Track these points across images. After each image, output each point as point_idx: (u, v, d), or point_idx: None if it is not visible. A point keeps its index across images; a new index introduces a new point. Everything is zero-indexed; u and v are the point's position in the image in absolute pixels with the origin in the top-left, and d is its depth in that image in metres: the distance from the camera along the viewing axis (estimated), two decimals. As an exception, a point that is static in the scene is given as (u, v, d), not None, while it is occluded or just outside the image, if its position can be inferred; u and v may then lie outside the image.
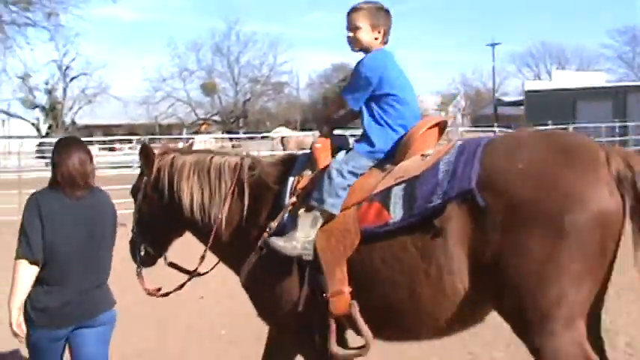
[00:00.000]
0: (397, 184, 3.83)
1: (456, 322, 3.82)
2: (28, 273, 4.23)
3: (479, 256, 3.55)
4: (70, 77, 46.42)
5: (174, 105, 52.75)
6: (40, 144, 34.48)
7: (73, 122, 47.95)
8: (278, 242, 3.92)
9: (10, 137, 63.07)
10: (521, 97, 58.11)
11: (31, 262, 4.21)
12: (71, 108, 47.66)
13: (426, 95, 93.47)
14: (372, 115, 4.15)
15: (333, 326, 3.93)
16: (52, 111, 45.63)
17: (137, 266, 4.82)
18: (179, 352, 7.02)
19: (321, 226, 3.94)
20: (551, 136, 3.95)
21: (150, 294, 4.79)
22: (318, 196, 3.94)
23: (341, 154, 4.11)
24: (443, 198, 3.62)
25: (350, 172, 3.98)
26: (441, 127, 4.24)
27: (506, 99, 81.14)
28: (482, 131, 45.77)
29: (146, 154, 4.64)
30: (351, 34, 4.16)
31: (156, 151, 4.71)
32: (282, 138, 25.89)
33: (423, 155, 3.91)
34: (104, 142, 36.60)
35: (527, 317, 3.51)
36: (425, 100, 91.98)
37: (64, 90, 46.56)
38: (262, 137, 21.87)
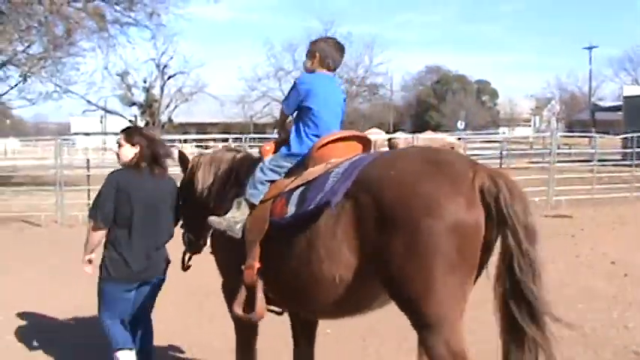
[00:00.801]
0: (300, 186, 4.60)
1: (345, 304, 4.42)
2: (97, 233, 5.53)
3: (361, 250, 4.09)
4: (168, 75, 47.03)
5: (269, 104, 53.04)
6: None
7: (170, 120, 48.60)
8: (212, 218, 4.94)
9: (106, 134, 64.79)
10: (619, 103, 56.33)
11: (99, 225, 5.48)
12: (168, 106, 48.31)
13: (520, 99, 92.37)
14: (296, 124, 5.00)
15: (243, 292, 4.82)
16: (149, 108, 46.32)
17: (185, 251, 5.88)
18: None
19: (250, 213, 4.80)
20: (431, 151, 4.42)
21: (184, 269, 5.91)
22: (247, 188, 4.88)
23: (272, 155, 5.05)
24: (321, 201, 4.28)
25: (270, 170, 4.88)
26: (361, 141, 5.13)
27: (604, 104, 79.29)
28: (578, 136, 44.78)
29: (182, 158, 5.84)
30: (311, 58, 5.11)
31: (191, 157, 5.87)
32: (390, 140, 25.41)
33: (327, 164, 4.64)
34: (199, 141, 36.95)
35: (403, 309, 4.10)
36: (519, 104, 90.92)
37: (162, 88, 47.21)
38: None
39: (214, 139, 36.16)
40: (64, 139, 42.65)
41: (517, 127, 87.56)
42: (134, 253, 5.51)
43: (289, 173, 4.85)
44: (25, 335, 7.61)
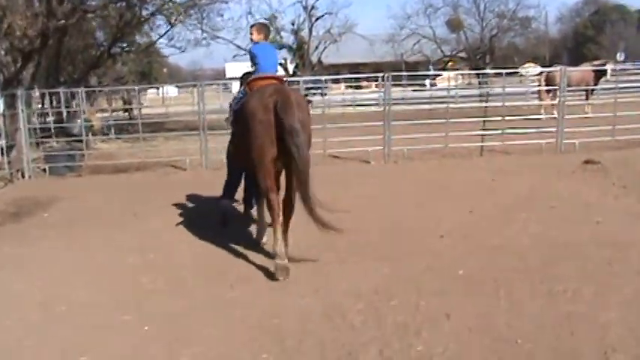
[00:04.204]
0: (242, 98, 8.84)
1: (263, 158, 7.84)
2: None
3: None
4: (316, 17, 46.99)
5: (419, 42, 52.10)
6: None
7: (320, 61, 48.73)
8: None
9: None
10: None
11: None
12: (317, 47, 48.38)
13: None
14: (252, 71, 9.06)
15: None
16: (298, 51, 46.61)
17: None
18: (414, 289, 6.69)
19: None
20: (267, 87, 8.09)
21: None
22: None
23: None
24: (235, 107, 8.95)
25: (240, 93, 9.22)
26: (276, 79, 8.71)
27: None
28: None
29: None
30: (250, 35, 9.12)
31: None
32: (548, 73, 24.35)
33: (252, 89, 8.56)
34: (351, 80, 36.77)
35: None
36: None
37: (310, 30, 47.25)
38: (508, 74, 20.83)
39: (367, 78, 35.93)
40: (222, 84, 43.85)
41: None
42: None
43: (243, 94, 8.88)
44: (172, 273, 8.00)
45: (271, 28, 45.40)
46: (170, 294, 7.23)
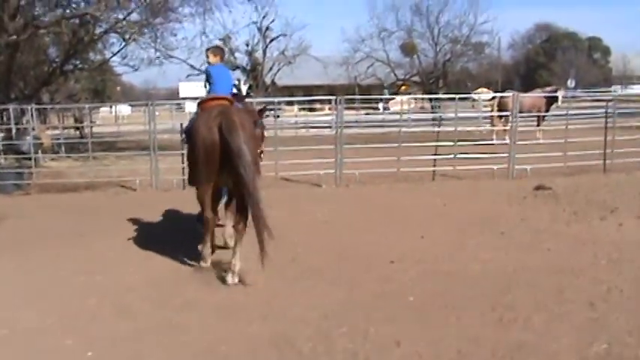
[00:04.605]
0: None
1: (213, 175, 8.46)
2: None
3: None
4: (270, 39, 47.01)
5: (373, 65, 52.37)
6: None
7: (273, 82, 48.71)
8: None
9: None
10: None
11: None
12: (271, 69, 48.35)
13: (634, 56, 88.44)
14: (207, 91, 9.51)
15: None
16: (252, 72, 46.51)
17: None
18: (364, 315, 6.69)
19: None
20: (216, 108, 8.59)
21: None
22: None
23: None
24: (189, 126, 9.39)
25: (195, 113, 10.01)
26: (227, 100, 9.12)
27: None
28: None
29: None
30: (207, 58, 9.81)
31: None
32: (501, 98, 24.69)
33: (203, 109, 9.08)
34: (304, 102, 36.80)
35: None
36: (633, 61, 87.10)
37: (264, 51, 47.22)
38: (460, 99, 21.06)
39: (320, 101, 35.96)
40: (175, 104, 43.41)
41: (631, 85, 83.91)
42: None
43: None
44: (118, 296, 7.79)
45: (225, 49, 45.53)
46: (116, 318, 7.06)
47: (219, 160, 8.05)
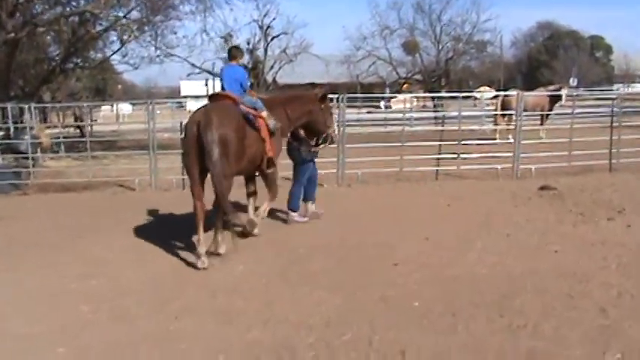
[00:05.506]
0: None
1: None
2: None
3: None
4: (271, 37, 46.74)
5: (375, 64, 52.21)
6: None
7: (275, 81, 48.48)
8: None
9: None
10: None
11: None
12: (272, 67, 48.08)
13: (636, 54, 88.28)
14: (222, 85, 10.13)
15: None
16: (253, 70, 46.23)
17: None
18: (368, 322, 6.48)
19: None
20: (208, 107, 9.47)
21: None
22: None
23: None
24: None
25: None
26: (229, 97, 9.72)
27: None
28: None
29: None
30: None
31: None
32: (505, 97, 24.51)
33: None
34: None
35: None
36: (635, 59, 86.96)
37: (265, 49, 46.94)
38: (464, 97, 20.86)
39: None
40: (176, 102, 43.25)
41: (633, 84, 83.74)
42: None
43: None
44: (114, 300, 7.58)
45: (227, 47, 45.28)
46: (111, 324, 6.85)
47: (197, 154, 8.89)
